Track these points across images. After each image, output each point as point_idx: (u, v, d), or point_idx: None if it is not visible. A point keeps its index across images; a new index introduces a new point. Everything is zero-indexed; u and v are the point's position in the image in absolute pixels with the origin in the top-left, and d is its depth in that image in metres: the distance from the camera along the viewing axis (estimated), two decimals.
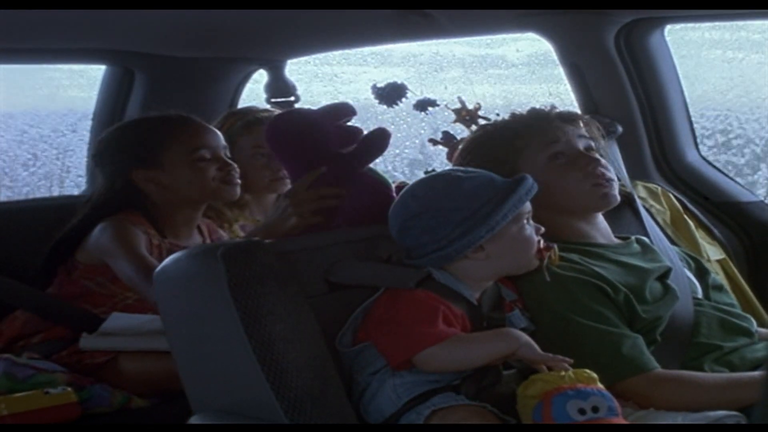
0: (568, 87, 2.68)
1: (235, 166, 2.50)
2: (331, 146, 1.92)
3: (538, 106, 2.10)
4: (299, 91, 3.38)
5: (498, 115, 2.25)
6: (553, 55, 2.67)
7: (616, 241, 2.06)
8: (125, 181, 2.46)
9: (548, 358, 1.64)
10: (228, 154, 2.52)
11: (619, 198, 2.05)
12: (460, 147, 2.14)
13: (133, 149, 2.47)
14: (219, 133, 2.53)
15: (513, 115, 2.11)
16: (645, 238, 2.10)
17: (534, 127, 2.04)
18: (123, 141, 2.51)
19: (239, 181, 2.50)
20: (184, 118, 2.51)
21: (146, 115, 2.91)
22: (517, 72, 3.50)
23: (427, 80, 3.64)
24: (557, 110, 2.09)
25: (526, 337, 1.67)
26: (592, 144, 2.06)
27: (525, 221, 1.79)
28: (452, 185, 1.77)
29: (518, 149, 2.01)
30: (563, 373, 1.63)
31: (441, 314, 1.68)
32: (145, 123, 2.57)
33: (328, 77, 3.81)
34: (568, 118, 2.08)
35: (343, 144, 1.93)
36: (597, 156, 2.03)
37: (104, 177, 2.52)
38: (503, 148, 2.01)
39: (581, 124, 2.08)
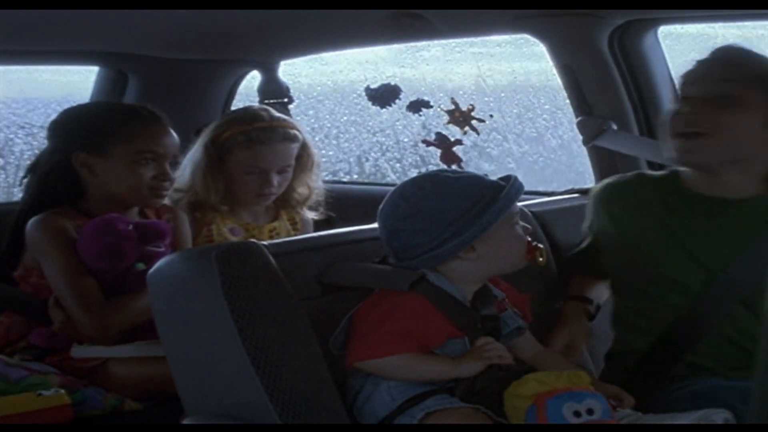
0: (550, 65, 2.67)
1: (172, 181, 2.44)
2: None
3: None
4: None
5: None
6: None
7: None
8: (64, 159, 2.39)
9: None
10: (175, 161, 2.47)
11: None
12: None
13: (83, 131, 2.40)
14: (176, 141, 2.45)
15: None
16: None
17: None
18: (78, 121, 2.45)
19: (166, 194, 2.44)
20: (147, 114, 2.43)
21: (110, 101, 2.87)
22: (500, 50, 3.48)
23: (408, 59, 3.62)
24: None
25: (473, 370, 1.67)
26: None
27: (515, 220, 1.79)
28: (441, 186, 1.77)
29: None
30: (559, 373, 1.63)
31: (412, 329, 1.68)
32: (105, 109, 2.54)
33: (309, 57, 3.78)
34: None
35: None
36: None
37: (46, 154, 2.46)
38: None
39: None
